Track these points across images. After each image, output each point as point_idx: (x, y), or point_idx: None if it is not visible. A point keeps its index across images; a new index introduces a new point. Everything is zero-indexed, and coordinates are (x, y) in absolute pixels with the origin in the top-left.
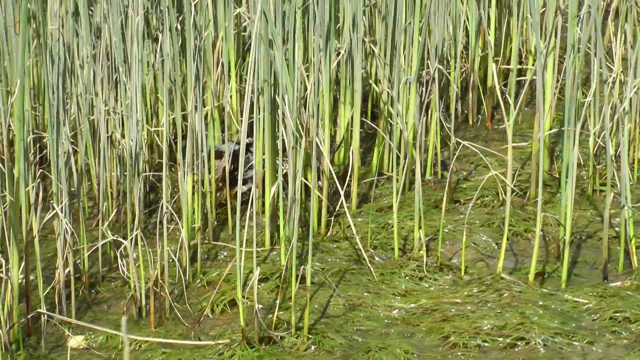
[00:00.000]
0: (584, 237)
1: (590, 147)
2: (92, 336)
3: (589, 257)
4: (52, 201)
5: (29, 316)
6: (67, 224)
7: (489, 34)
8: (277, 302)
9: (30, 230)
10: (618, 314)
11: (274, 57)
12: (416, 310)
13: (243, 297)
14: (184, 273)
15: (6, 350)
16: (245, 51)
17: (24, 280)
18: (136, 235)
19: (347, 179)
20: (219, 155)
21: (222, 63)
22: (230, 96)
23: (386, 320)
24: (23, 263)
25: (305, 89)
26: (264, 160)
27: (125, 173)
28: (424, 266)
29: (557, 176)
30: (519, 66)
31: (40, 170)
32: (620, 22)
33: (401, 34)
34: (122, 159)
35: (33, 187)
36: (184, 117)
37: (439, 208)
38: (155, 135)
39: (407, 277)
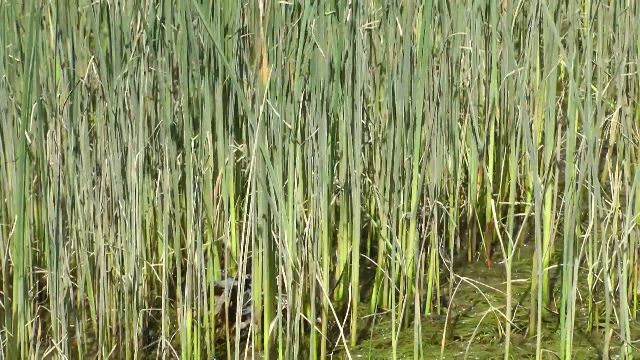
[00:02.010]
0: None
1: (589, 284)
2: None
3: None
4: (51, 337)
5: None
6: None
7: (487, 171)
8: None
9: None
10: None
11: (271, 195)
12: None
13: None
14: None
15: None
16: (244, 187)
17: None
18: None
19: (347, 314)
20: (219, 291)
21: (222, 199)
22: (230, 232)
23: None
24: None
25: (305, 225)
26: (262, 296)
27: (124, 309)
28: None
29: (557, 312)
30: (517, 202)
31: (40, 306)
32: (617, 158)
33: (400, 170)
34: (121, 295)
35: (32, 323)
36: (184, 253)
37: (438, 344)
38: (155, 271)
39: None
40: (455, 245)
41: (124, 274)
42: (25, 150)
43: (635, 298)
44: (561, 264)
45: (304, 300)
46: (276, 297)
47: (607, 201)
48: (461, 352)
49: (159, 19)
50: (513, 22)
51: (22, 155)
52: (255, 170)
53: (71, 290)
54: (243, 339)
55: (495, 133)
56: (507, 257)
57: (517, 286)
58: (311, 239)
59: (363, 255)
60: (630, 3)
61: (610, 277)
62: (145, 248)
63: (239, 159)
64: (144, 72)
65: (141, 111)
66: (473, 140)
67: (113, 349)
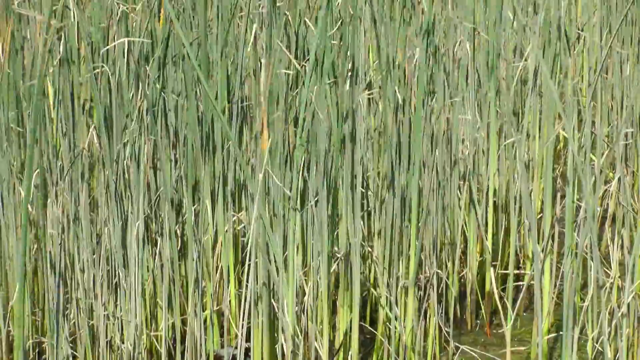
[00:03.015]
0: None
1: (589, 352)
2: None
3: None
4: None
5: None
6: None
7: (486, 239)
8: None
9: None
10: None
11: (271, 263)
12: None
13: None
14: None
15: None
16: (244, 255)
17: None
18: None
19: None
20: (218, 359)
21: (221, 267)
22: (230, 300)
23: None
24: None
25: (304, 293)
26: None
27: None
28: None
29: None
30: (516, 271)
31: None
32: (617, 227)
33: (398, 238)
34: None
35: None
36: (183, 322)
37: None
38: (155, 340)
39: None
40: (454, 314)
41: (123, 342)
42: (26, 219)
43: None
44: (561, 333)
45: None
46: None
47: (606, 270)
48: None
49: (158, 88)
50: (512, 91)
51: (24, 225)
52: (255, 238)
53: (71, 358)
54: None
55: (494, 202)
56: (506, 326)
57: (517, 355)
58: (311, 308)
59: (363, 323)
60: (629, 72)
61: (610, 346)
62: (145, 316)
63: (238, 227)
64: (145, 141)
65: (141, 180)
66: (472, 208)
67: None
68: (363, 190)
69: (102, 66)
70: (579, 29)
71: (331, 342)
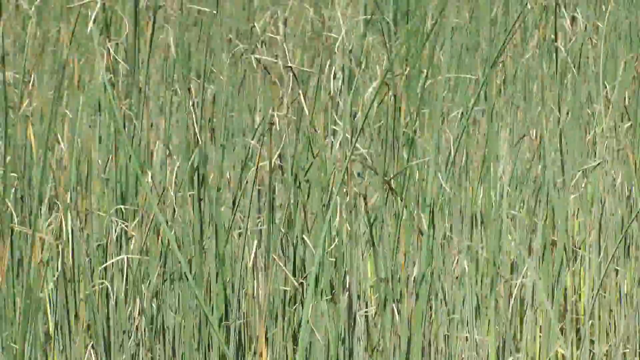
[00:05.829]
0: None
1: None
2: None
3: None
4: None
5: None
6: None
7: None
8: None
9: None
10: None
11: None
12: None
13: None
14: None
15: None
16: None
17: None
18: None
19: None
20: None
21: None
22: None
23: None
24: None
25: None
26: None
27: None
28: None
29: None
30: None
31: None
32: None
33: None
34: None
35: None
36: None
37: None
38: None
39: None
40: None
41: None
42: None
43: None
44: None
45: None
46: None
47: None
48: None
49: (156, 308)
50: (509, 309)
51: None
52: None
53: None
54: None
55: None
56: None
57: None
58: None
59: None
60: (627, 290)
61: None
62: None
63: None
64: (142, 359)
65: None
66: None
67: None
68: None
69: (101, 283)
70: (576, 247)
71: None
